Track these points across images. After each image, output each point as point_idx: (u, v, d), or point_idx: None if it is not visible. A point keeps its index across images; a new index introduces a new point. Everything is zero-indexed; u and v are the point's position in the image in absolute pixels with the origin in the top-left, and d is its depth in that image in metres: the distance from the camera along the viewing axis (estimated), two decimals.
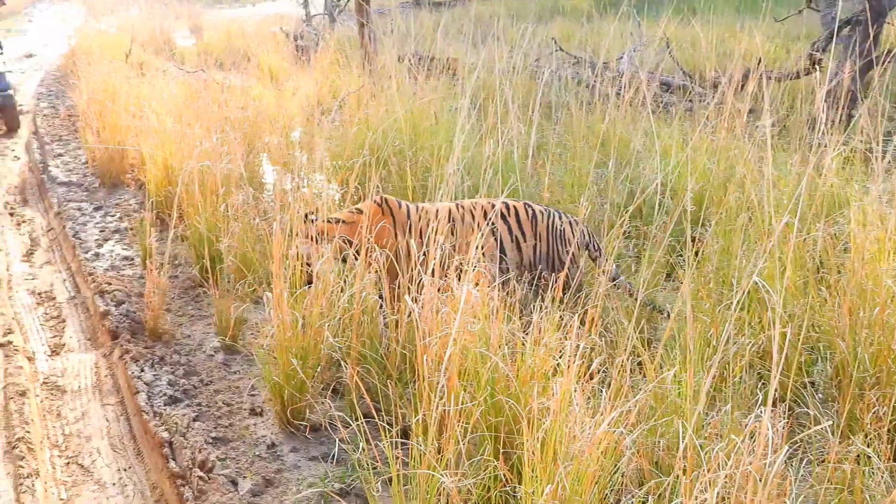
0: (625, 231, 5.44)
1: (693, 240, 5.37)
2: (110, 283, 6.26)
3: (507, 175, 5.93)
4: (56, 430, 4.63)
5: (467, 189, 5.64)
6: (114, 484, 4.16)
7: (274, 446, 4.29)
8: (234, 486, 3.91)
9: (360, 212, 4.99)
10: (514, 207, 5.07)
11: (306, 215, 4.88)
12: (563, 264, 4.96)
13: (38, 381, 5.15)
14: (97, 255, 7.01)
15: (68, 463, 4.34)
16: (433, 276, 3.87)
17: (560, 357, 3.41)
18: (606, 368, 3.70)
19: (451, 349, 3.28)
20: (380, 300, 4.60)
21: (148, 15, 22.68)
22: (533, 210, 5.07)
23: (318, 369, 4.39)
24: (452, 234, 4.81)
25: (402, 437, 3.61)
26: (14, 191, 9.38)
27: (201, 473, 3.97)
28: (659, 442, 3.39)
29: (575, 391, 3.21)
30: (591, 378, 3.45)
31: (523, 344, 3.61)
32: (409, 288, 4.35)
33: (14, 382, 4.95)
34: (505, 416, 3.45)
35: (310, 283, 4.65)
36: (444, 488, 3.10)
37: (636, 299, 3.83)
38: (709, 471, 2.67)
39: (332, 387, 4.56)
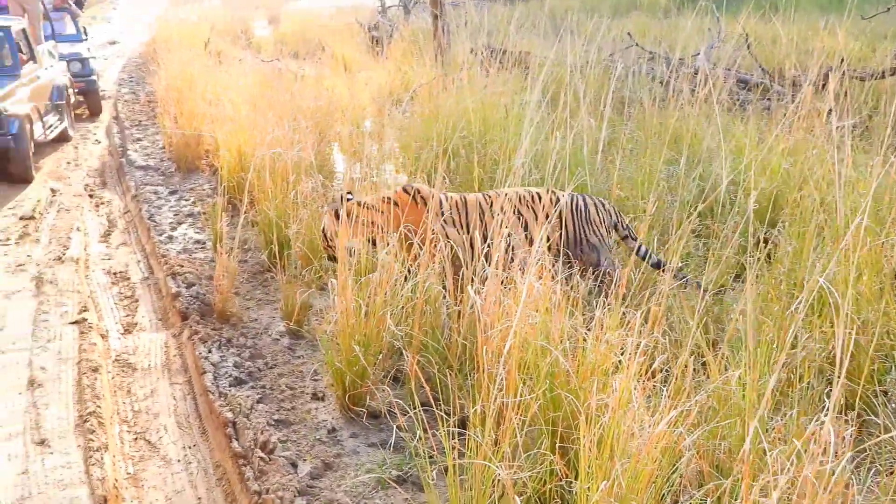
0: (694, 229, 5.37)
1: (765, 241, 5.27)
2: (182, 266, 6.41)
3: (576, 169, 5.89)
4: (126, 407, 4.77)
5: (534, 182, 5.62)
6: (178, 461, 4.27)
7: (334, 431, 4.35)
8: (293, 468, 3.97)
9: (391, 201, 5.12)
10: (538, 195, 5.10)
11: (343, 195, 5.14)
12: (590, 245, 5.03)
13: (111, 358, 5.31)
14: (171, 237, 7.19)
15: (136, 438, 4.47)
16: (497, 269, 3.88)
17: (622, 354, 3.38)
18: (669, 367, 3.65)
19: (510, 341, 3.28)
20: (443, 291, 4.62)
21: (227, 4, 23.15)
22: (557, 196, 5.09)
23: (380, 357, 4.42)
24: (482, 223, 4.97)
25: (459, 428, 3.62)
26: (94, 173, 9.68)
27: (262, 454, 4.04)
28: (720, 444, 3.34)
29: (635, 389, 3.18)
30: (654, 376, 3.42)
31: (585, 339, 3.58)
32: (471, 279, 4.36)
33: (87, 359, 5.11)
34: (563, 410, 3.44)
35: (331, 259, 5.09)
36: (499, 480, 3.10)
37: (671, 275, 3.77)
38: (770, 474, 2.62)
39: (392, 375, 4.60)
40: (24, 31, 10.31)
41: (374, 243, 4.94)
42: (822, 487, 2.48)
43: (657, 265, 4.95)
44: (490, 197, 5.13)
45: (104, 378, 4.99)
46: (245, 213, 6.47)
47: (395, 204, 5.09)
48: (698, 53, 9.66)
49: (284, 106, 8.14)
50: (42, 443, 4.31)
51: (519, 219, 4.97)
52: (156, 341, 5.52)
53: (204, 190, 8.55)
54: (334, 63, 12.66)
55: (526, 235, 4.96)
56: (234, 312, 5.68)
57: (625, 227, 5.17)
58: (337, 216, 5.09)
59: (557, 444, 3.38)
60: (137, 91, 14.22)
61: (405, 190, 5.19)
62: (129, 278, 6.60)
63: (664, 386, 3.29)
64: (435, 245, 4.57)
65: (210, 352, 5.16)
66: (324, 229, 5.28)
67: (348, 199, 5.15)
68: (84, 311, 5.82)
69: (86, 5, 18.94)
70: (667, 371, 3.64)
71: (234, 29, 18.66)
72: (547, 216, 4.94)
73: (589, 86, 7.51)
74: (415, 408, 3.67)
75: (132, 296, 6.27)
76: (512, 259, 4.18)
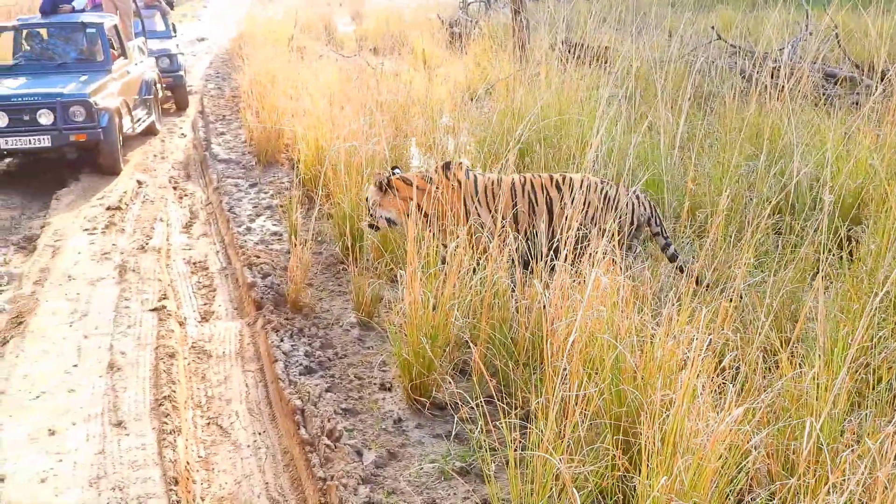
0: (772, 226, 5.24)
1: (849, 239, 5.10)
2: (258, 257, 6.55)
3: (652, 164, 5.81)
4: (200, 392, 4.90)
5: (610, 177, 5.56)
6: (248, 446, 4.36)
7: (400, 421, 4.38)
8: (358, 457, 4.02)
9: (429, 178, 5.34)
10: (571, 179, 5.19)
11: (392, 168, 5.48)
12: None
13: (187, 344, 5.46)
14: (249, 229, 7.34)
15: (209, 423, 4.59)
16: (565, 262, 3.86)
17: (690, 350, 3.31)
18: (739, 366, 3.57)
19: (574, 335, 3.26)
20: (512, 285, 4.61)
21: (313, 1, 23.51)
22: (590, 182, 5.13)
23: (447, 349, 4.44)
24: (514, 204, 5.12)
25: (523, 421, 3.61)
26: (179, 166, 9.95)
27: (329, 442, 4.10)
28: (790, 444, 3.25)
29: (704, 386, 3.12)
30: (722, 373, 3.35)
31: (653, 334, 3.53)
32: (540, 273, 4.35)
33: (165, 345, 5.27)
34: (627, 406, 3.39)
35: (371, 227, 5.50)
36: (560, 474, 3.07)
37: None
38: (839, 475, 2.54)
39: (459, 367, 4.61)
40: (115, 27, 10.65)
41: (425, 215, 5.20)
42: (893, 491, 2.39)
43: (681, 269, 4.87)
44: (525, 178, 5.25)
45: (180, 364, 5.13)
46: (320, 205, 6.57)
47: (431, 181, 5.29)
48: (784, 47, 9.39)
49: (362, 100, 8.23)
50: (119, 424, 4.45)
51: (548, 202, 5.11)
52: (231, 329, 5.65)
53: (282, 183, 8.70)
54: (413, 58, 12.74)
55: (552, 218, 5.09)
56: (306, 303, 5.77)
57: (658, 223, 5.15)
58: (381, 188, 5.34)
59: (620, 439, 3.34)
60: (222, 86, 14.56)
61: (442, 168, 5.35)
62: (207, 268, 6.77)
63: (732, 383, 3.22)
64: (504, 239, 4.56)
65: (282, 341, 5.25)
66: (367, 199, 5.53)
67: (394, 174, 5.45)
68: (164, 298, 6.00)
69: (177, 3, 19.48)
70: (736, 369, 3.56)
71: (318, 26, 18.94)
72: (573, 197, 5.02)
73: (669, 80, 7.39)
74: (479, 400, 3.68)
75: (210, 285, 6.43)
76: (580, 252, 4.14)
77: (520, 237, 4.82)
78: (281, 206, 7.80)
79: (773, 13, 8.76)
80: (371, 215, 5.47)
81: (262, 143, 9.59)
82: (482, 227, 4.99)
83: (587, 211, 4.93)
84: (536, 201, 5.11)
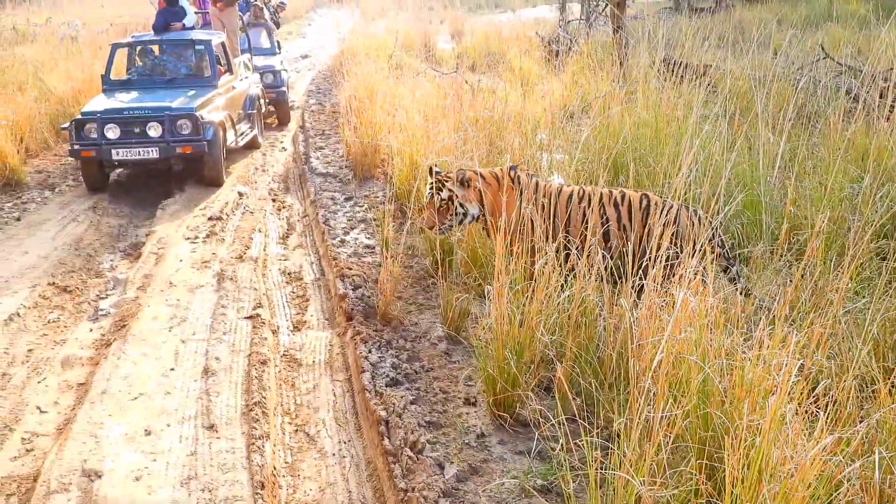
0: (875, 250, 5.06)
1: None
2: (351, 269, 6.66)
3: (750, 185, 5.68)
4: (289, 399, 5.01)
5: (701, 197, 5.45)
6: (334, 454, 4.43)
7: (483, 436, 4.38)
8: (440, 469, 4.04)
9: (497, 177, 5.43)
10: (630, 197, 5.15)
11: (430, 168, 5.57)
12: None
13: (279, 352, 5.59)
14: (342, 241, 7.48)
15: (296, 430, 4.68)
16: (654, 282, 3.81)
17: (780, 375, 3.22)
18: (833, 394, 3.45)
19: (661, 355, 3.21)
20: (600, 304, 4.57)
21: (415, 19, 23.85)
22: (648, 201, 5.07)
23: (532, 366, 4.43)
24: (567, 215, 5.17)
25: (605, 441, 3.57)
26: (279, 179, 10.22)
27: (411, 453, 4.13)
28: (886, 478, 3.12)
29: (795, 413, 3.03)
30: (816, 401, 3.24)
31: (743, 359, 3.44)
32: (630, 292, 4.31)
33: (258, 352, 5.41)
34: (713, 429, 3.32)
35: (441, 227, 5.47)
36: (640, 496, 3.03)
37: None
38: None
39: (543, 384, 4.59)
40: (222, 44, 11.03)
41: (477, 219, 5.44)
42: None
43: (746, 293, 4.73)
44: (584, 191, 5.27)
45: (271, 371, 5.26)
46: (412, 219, 6.65)
47: (498, 180, 5.39)
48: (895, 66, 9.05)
49: (457, 117, 8.30)
50: (211, 427, 4.59)
51: (602, 216, 5.08)
52: (321, 339, 5.76)
53: (377, 197, 8.84)
54: (511, 75, 12.77)
55: (608, 234, 5.05)
56: (395, 315, 5.84)
57: (721, 244, 5.04)
58: (463, 183, 5.39)
59: (704, 464, 3.27)
60: (323, 102, 14.89)
61: (510, 170, 5.42)
62: (301, 278, 6.93)
63: (824, 411, 3.11)
64: (592, 256, 4.53)
65: (370, 352, 5.33)
66: (442, 196, 5.52)
67: (473, 171, 5.53)
68: (258, 307, 6.16)
69: (282, 21, 20.02)
70: (831, 397, 3.44)
71: (418, 43, 19.17)
72: (631, 218, 5.06)
73: (771, 99, 7.22)
74: (562, 418, 3.65)
75: (303, 295, 6.58)
76: (672, 272, 4.08)
77: (607, 256, 4.77)
78: (374, 220, 7.92)
79: (883, 30, 8.46)
80: (445, 213, 5.46)
81: (358, 158, 9.76)
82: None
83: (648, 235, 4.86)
84: (592, 215, 5.04)
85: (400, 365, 5.19)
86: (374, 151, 9.63)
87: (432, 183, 5.47)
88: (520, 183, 5.32)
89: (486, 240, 5.86)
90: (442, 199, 5.40)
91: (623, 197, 5.17)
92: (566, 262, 4.81)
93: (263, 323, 5.91)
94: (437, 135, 7.64)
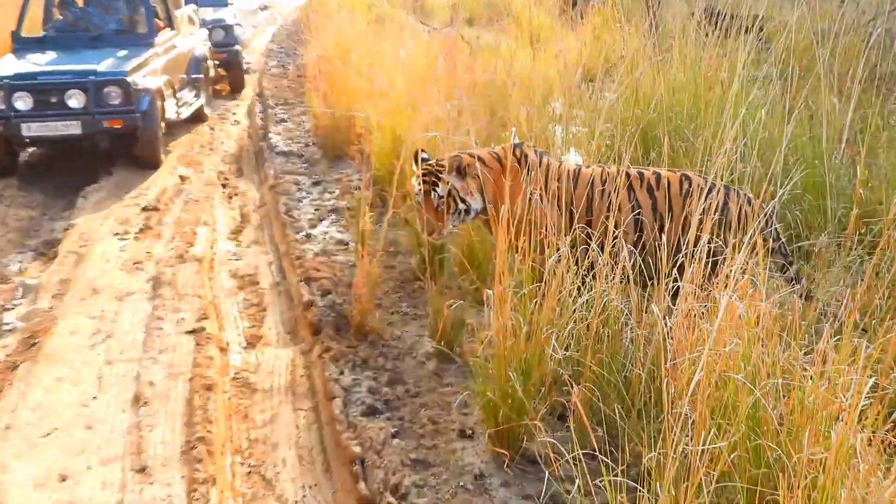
0: None
1: None
2: (318, 270, 6.65)
3: (811, 162, 5.67)
4: (240, 434, 4.99)
5: (750, 177, 5.44)
6: (296, 502, 4.41)
7: (482, 477, 4.36)
8: None
9: (498, 157, 5.37)
10: (667, 180, 5.12)
11: (416, 155, 5.50)
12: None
13: (229, 375, 5.57)
14: (309, 236, 7.48)
15: (249, 472, 4.66)
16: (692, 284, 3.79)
17: (849, 398, 3.21)
18: None
19: (700, 374, 3.19)
20: (626, 310, 4.54)
21: None
22: (690, 184, 5.04)
23: (542, 389, 4.40)
24: (589, 203, 5.11)
25: (632, 481, 3.54)
26: (230, 159, 10.23)
27: (392, 499, 4.11)
28: None
29: (868, 443, 3.01)
30: (894, 428, 3.23)
31: (803, 376, 3.43)
32: (663, 296, 4.28)
33: (202, 375, 5.39)
34: (766, 464, 3.30)
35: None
36: None
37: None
38: None
39: (557, 412, 4.56)
40: None
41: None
42: None
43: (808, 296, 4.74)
44: (608, 174, 5.19)
45: (219, 399, 5.24)
46: (394, 209, 6.63)
47: (500, 162, 5.31)
48: None
49: (451, 81, 8.27)
50: (142, 470, 4.56)
51: (631, 202, 5.07)
52: (282, 358, 5.75)
53: (352, 181, 8.83)
54: (518, 30, 12.77)
55: (638, 225, 5.03)
56: (373, 327, 5.82)
57: (777, 237, 5.03)
58: (461, 173, 5.29)
59: None
60: (286, 64, 14.92)
61: (514, 149, 5.31)
62: (257, 283, 6.91)
63: None
64: (616, 253, 4.50)
65: (342, 373, 5.30)
66: (430, 192, 5.39)
67: (469, 155, 5.41)
68: (203, 319, 6.15)
69: None
70: None
71: None
72: (670, 205, 5.05)
73: (837, 57, 7.21)
74: (579, 453, 3.63)
75: (259, 303, 6.56)
76: (713, 272, 4.06)
77: (635, 251, 4.74)
78: (348, 210, 7.90)
79: None
80: (446, 213, 5.35)
81: (329, 133, 9.76)
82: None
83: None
84: (619, 203, 5.02)
85: (379, 389, 5.17)
86: (348, 125, 9.61)
87: (421, 175, 5.39)
88: (526, 163, 5.29)
89: (488, 235, 5.83)
90: (440, 197, 5.34)
91: (658, 179, 5.15)
92: (584, 259, 4.78)
93: (209, 339, 5.89)
94: (426, 104, 7.60)
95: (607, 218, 4.75)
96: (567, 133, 7.88)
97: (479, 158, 5.35)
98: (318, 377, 5.40)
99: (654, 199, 5.07)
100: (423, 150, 5.57)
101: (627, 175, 5.12)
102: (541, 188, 5.08)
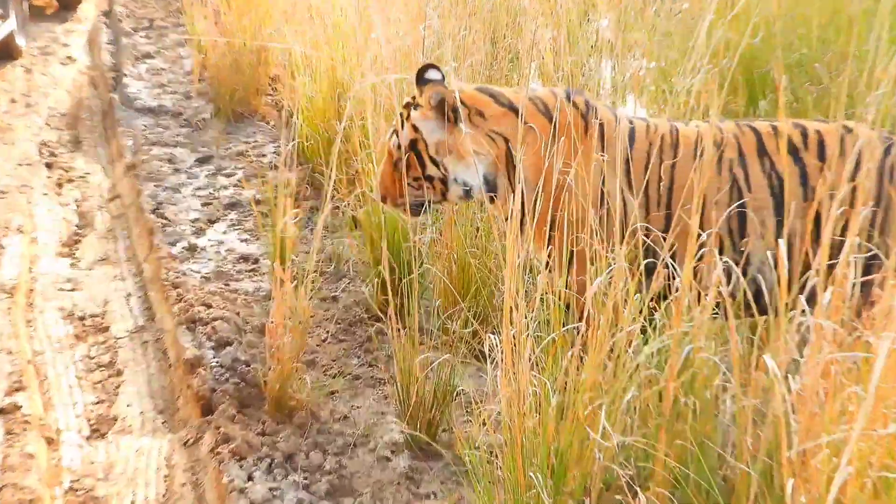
0: None
1: None
2: (210, 307, 6.63)
3: None
4: None
5: None
6: None
7: None
8: None
9: (542, 111, 5.28)
10: (820, 135, 5.12)
11: (408, 103, 5.57)
12: None
13: (61, 485, 5.52)
14: (192, 248, 7.48)
15: None
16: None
17: None
18: None
19: (846, 470, 3.19)
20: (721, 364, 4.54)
21: None
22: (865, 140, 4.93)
23: (587, 502, 4.39)
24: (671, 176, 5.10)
25: None
26: (60, 122, 10.20)
27: None
28: None
29: None
30: None
31: None
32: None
33: (14, 483, 5.33)
34: None
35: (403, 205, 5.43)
36: None
37: None
38: None
39: None
40: None
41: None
42: None
43: None
44: (723, 132, 5.17)
45: None
46: (336, 201, 6.60)
47: (550, 119, 5.16)
48: None
49: None
50: None
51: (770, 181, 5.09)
52: (149, 454, 5.72)
53: (264, 156, 8.83)
54: None
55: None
56: (302, 401, 5.81)
57: None
58: (442, 111, 5.28)
59: None
60: None
61: (574, 103, 5.25)
62: (107, 328, 6.89)
63: None
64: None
65: (250, 479, 5.27)
66: (408, 140, 5.45)
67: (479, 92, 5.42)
68: (16, 391, 6.10)
69: None
70: None
71: None
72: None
73: None
74: None
75: (111, 363, 6.53)
76: (865, 300, 4.06)
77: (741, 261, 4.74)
78: (258, 204, 7.88)
79: None
80: (410, 176, 5.39)
81: (225, 77, 9.75)
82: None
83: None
84: (747, 180, 5.00)
85: None
86: (257, 62, 9.63)
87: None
88: (597, 119, 5.22)
89: (490, 240, 5.84)
90: (398, 148, 5.35)
91: (805, 135, 5.13)
92: (650, 279, 4.76)
93: (26, 424, 5.84)
94: (384, 29, 7.60)
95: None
96: (618, 69, 7.92)
97: (498, 99, 5.34)
98: (210, 486, 5.38)
99: (802, 166, 5.03)
100: (433, 67, 5.58)
101: (756, 133, 5.13)
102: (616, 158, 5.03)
